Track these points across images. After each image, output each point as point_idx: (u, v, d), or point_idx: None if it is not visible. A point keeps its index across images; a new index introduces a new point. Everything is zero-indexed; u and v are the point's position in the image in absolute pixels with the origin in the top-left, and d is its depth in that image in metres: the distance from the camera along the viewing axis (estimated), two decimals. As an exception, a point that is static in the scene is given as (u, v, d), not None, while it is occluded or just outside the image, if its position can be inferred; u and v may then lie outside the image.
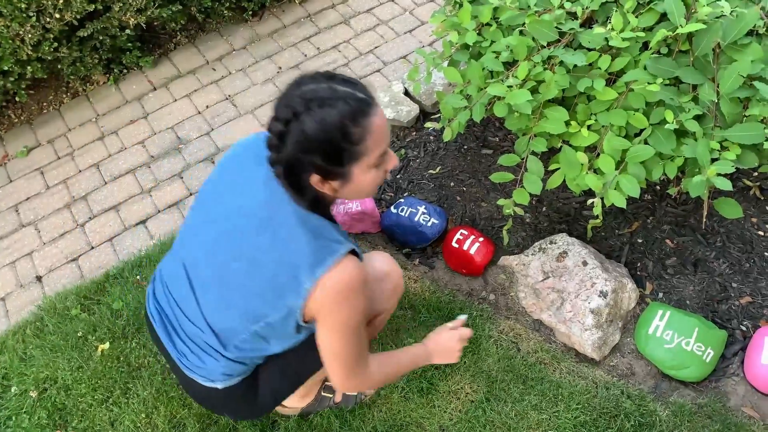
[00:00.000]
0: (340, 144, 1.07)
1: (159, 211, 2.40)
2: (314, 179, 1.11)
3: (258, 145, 1.24)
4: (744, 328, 1.80)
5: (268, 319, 1.19)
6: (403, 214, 2.08)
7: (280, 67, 2.90)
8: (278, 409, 1.69)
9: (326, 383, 1.72)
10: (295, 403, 1.67)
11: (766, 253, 1.94)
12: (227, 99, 2.79)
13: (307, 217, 1.15)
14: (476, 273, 1.97)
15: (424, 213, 2.06)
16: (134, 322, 1.94)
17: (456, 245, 1.98)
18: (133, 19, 2.64)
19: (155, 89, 2.86)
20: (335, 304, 1.14)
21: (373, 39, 3.01)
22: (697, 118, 1.52)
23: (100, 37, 2.66)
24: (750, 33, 1.52)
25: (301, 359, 1.36)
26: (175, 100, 2.80)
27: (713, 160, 1.48)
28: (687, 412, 1.62)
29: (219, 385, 1.32)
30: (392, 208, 2.12)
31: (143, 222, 2.37)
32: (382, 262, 1.50)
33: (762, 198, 2.07)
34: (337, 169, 1.10)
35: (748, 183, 2.11)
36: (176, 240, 1.35)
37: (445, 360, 1.45)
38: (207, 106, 2.76)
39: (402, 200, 2.13)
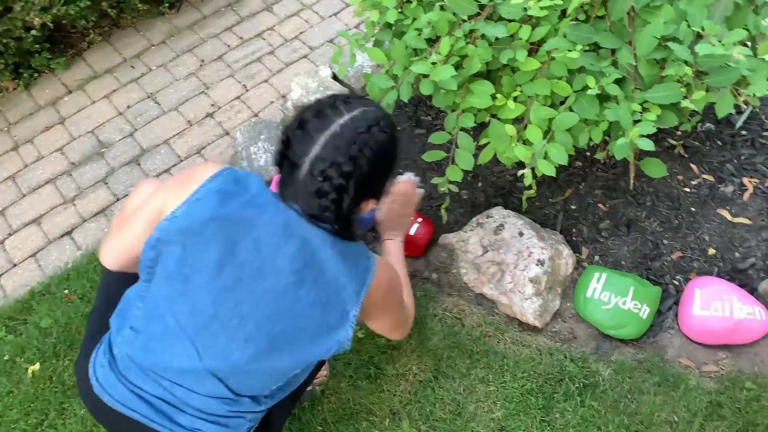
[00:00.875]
0: (394, 166, 1.09)
1: (84, 221, 2.28)
2: (371, 203, 1.09)
3: (236, 191, 1.08)
4: (677, 282, 1.86)
5: (313, 359, 1.12)
6: (339, 200, 2.04)
7: (202, 60, 2.80)
8: None
9: None
10: None
11: (692, 209, 2.01)
12: (149, 97, 2.68)
13: (345, 247, 1.07)
14: (418, 254, 1.97)
15: (360, 198, 2.03)
16: (65, 339, 1.85)
17: (395, 227, 1.96)
18: (38, 19, 2.49)
19: (71, 92, 2.71)
20: (380, 307, 1.15)
21: (297, 24, 2.95)
22: (618, 81, 1.54)
23: (4, 40, 2.49)
24: (661, -5, 1.55)
25: (309, 377, 1.33)
26: (93, 102, 2.67)
27: (635, 122, 1.50)
28: (627, 368, 1.67)
29: None
30: (328, 195, 2.08)
31: (68, 233, 2.25)
32: None
33: (686, 155, 2.14)
34: (387, 186, 1.11)
35: (673, 142, 2.18)
36: (137, 316, 1.13)
37: (405, 229, 1.56)
38: (128, 106, 2.64)
39: (337, 187, 2.10)
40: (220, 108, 2.62)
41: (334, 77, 2.52)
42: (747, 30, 1.60)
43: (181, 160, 2.44)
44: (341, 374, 1.71)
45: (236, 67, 2.77)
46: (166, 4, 2.99)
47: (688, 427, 1.55)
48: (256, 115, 2.58)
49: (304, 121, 1.03)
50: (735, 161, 2.10)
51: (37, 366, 1.79)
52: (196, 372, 1.10)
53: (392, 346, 1.75)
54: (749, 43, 1.69)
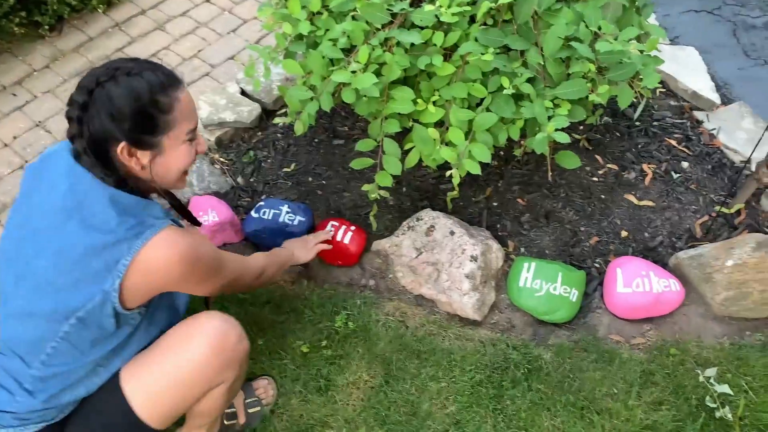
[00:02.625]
0: (149, 110, 1.14)
1: (-21, 264, 2.15)
2: (123, 150, 1.15)
3: (55, 150, 1.26)
4: (597, 265, 2.06)
5: (80, 313, 1.14)
6: (266, 216, 2.07)
7: (94, 84, 2.72)
8: None
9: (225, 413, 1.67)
10: None
11: (602, 196, 2.23)
12: (38, 125, 2.57)
13: (119, 196, 1.16)
14: (352, 262, 2.04)
15: (288, 212, 2.07)
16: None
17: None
18: None
19: (-56, 126, 2.55)
20: (166, 275, 1.17)
21: (194, 42, 2.94)
22: (530, 81, 1.71)
23: None
24: (560, -1, 1.73)
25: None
26: (-27, 136, 2.52)
27: (549, 118, 1.67)
28: (566, 349, 1.83)
29: None
30: (253, 212, 2.10)
31: (-40, 280, 2.10)
32: (206, 333, 1.28)
33: (590, 148, 2.37)
34: (148, 138, 1.17)
35: (577, 137, 2.41)
36: None
37: (303, 255, 1.83)
38: (14, 137, 2.52)
39: (262, 202, 2.12)
40: (121, 133, 2.55)
41: (243, 93, 2.55)
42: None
43: (84, 191, 2.35)
44: (290, 391, 1.74)
45: (134, 89, 2.71)
46: (46, 27, 2.89)
47: (627, 397, 1.72)
48: (162, 138, 2.54)
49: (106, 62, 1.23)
50: (633, 150, 2.36)
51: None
52: None
53: (339, 356, 1.80)
54: (635, 42, 1.92)
